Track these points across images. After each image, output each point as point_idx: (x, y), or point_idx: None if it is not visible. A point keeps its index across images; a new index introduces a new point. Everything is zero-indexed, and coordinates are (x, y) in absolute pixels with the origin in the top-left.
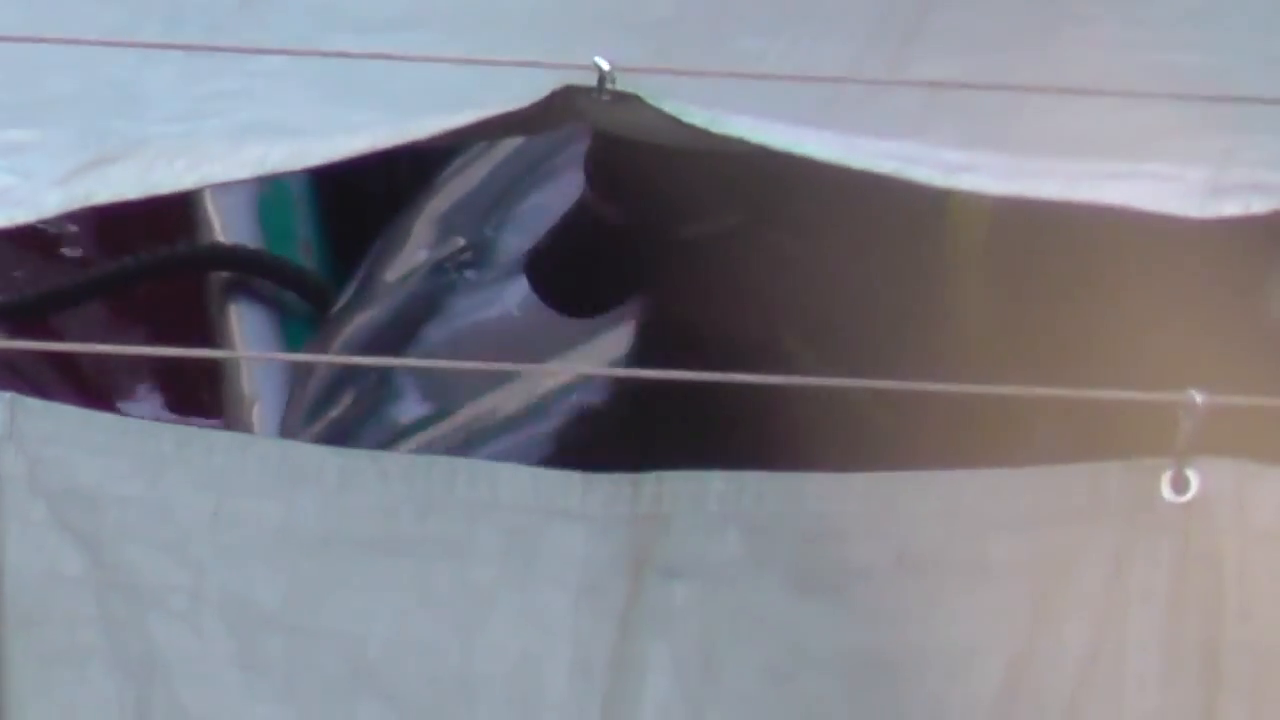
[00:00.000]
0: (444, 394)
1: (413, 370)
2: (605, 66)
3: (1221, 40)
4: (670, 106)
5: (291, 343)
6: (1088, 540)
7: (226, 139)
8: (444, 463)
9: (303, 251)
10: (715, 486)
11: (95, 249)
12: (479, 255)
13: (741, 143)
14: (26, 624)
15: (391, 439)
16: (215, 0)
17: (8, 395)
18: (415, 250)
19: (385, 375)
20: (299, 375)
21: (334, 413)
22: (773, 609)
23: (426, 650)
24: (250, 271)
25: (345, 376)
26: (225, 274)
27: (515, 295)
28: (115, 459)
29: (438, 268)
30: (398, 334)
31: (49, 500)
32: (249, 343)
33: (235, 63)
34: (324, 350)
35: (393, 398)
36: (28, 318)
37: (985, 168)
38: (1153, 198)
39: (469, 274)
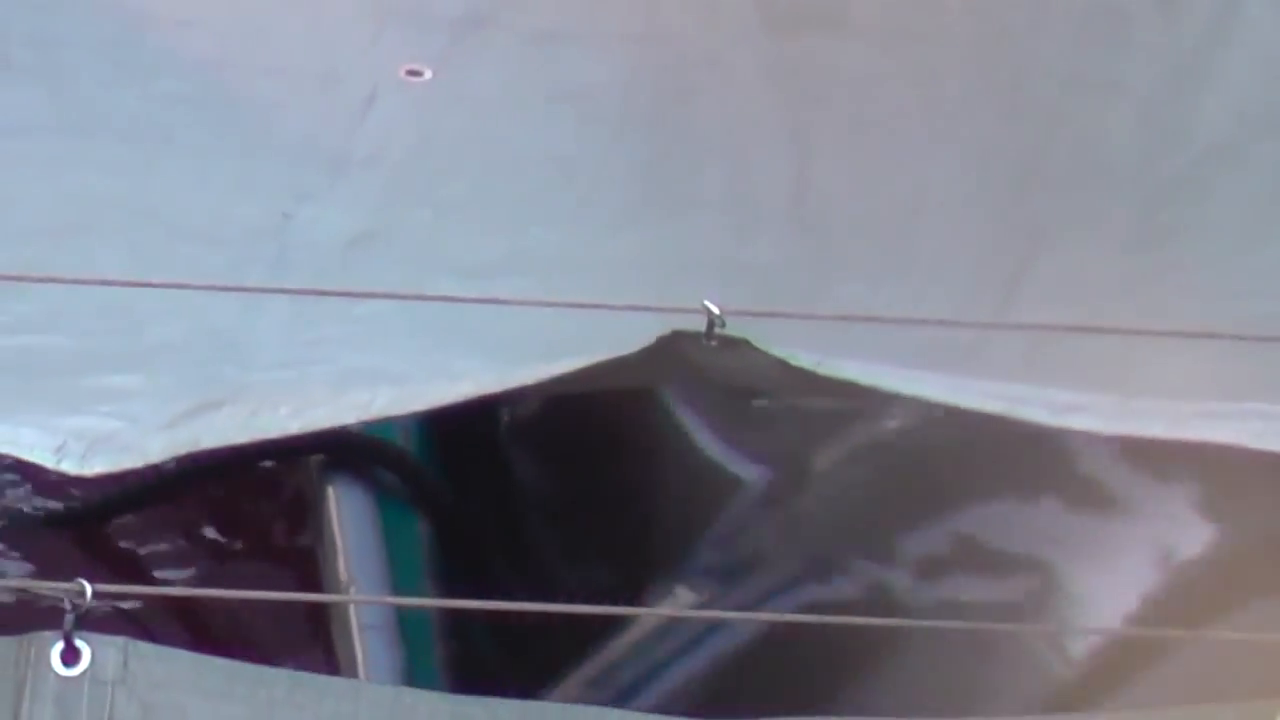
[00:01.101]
0: None
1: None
2: (715, 310)
3: None
4: (779, 351)
5: (388, 522)
6: None
7: (331, 384)
8: (555, 710)
9: (401, 436)
10: None
11: None
12: None
13: (851, 385)
14: None
15: None
16: (319, 246)
17: (121, 640)
18: None
19: None
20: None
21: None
22: None
23: None
24: (369, 461)
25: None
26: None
27: None
28: (229, 704)
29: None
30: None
31: None
32: (347, 525)
33: (339, 309)
34: None
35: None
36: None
37: (1094, 408)
38: (1260, 437)
39: None
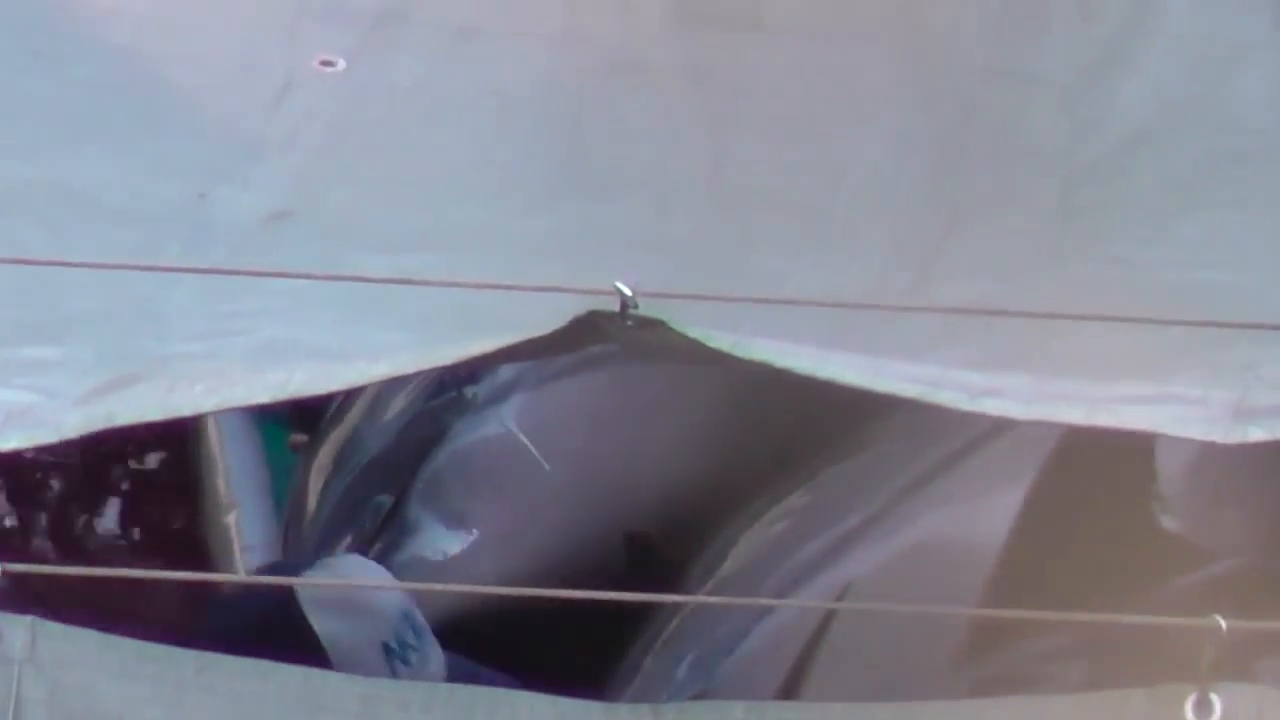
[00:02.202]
0: (470, 515)
1: (427, 502)
2: (627, 292)
3: (1242, 259)
4: (695, 331)
5: (270, 444)
6: None
7: (248, 361)
8: (464, 691)
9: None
10: (737, 714)
11: None
12: (476, 370)
13: (766, 366)
14: None
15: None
16: (235, 221)
17: (28, 619)
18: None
19: (396, 511)
20: (294, 501)
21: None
22: None
23: None
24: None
25: (346, 516)
26: None
27: (512, 412)
28: (136, 684)
29: (438, 387)
30: (405, 459)
31: None
32: (227, 445)
33: (256, 282)
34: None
35: (412, 532)
36: None
37: (1009, 391)
38: (1178, 423)
39: (468, 389)
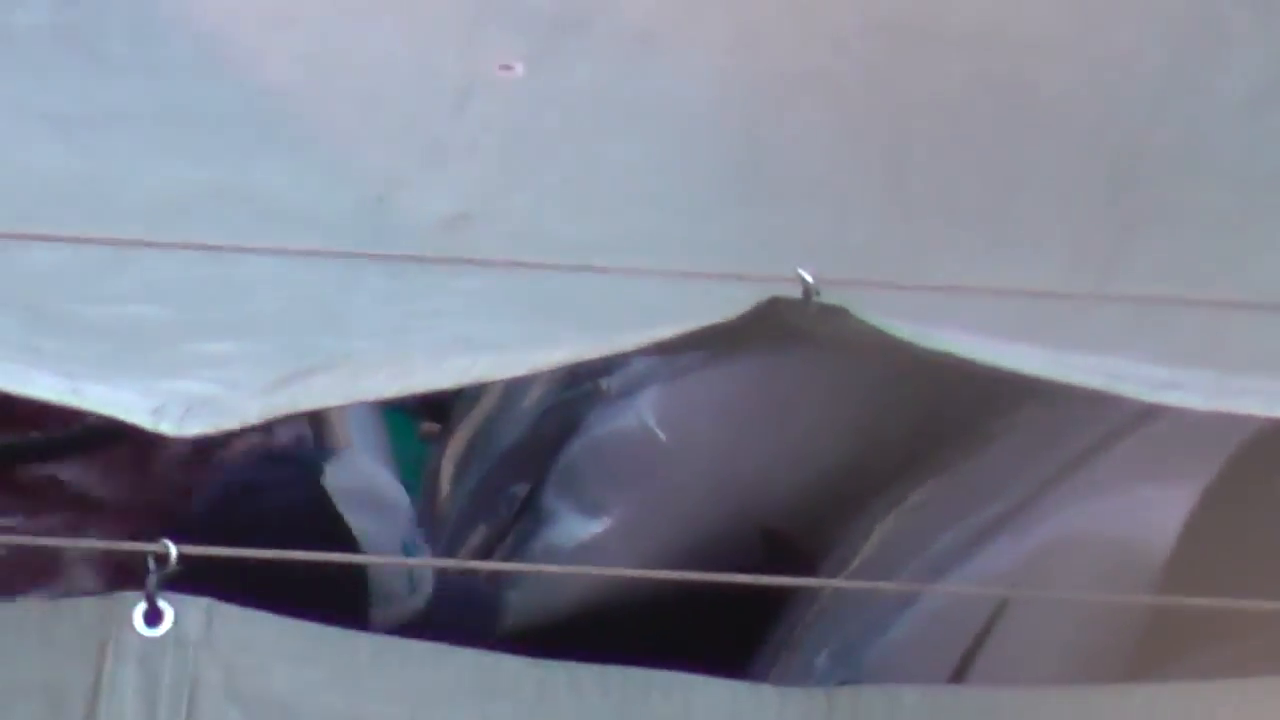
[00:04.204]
0: (603, 505)
1: (562, 492)
2: (809, 279)
3: None
4: (876, 320)
5: (396, 433)
6: None
7: (429, 351)
8: (638, 674)
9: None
10: (908, 700)
11: None
12: (610, 362)
13: (948, 356)
14: None
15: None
16: (415, 225)
17: (205, 601)
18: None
19: (531, 500)
20: (428, 489)
21: (474, 541)
22: None
23: None
24: None
25: (481, 505)
26: None
27: (647, 404)
28: (311, 668)
29: (572, 379)
30: (541, 449)
31: (244, 708)
32: (354, 434)
33: (436, 284)
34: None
35: (547, 521)
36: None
37: (1191, 385)
38: None
39: (603, 381)
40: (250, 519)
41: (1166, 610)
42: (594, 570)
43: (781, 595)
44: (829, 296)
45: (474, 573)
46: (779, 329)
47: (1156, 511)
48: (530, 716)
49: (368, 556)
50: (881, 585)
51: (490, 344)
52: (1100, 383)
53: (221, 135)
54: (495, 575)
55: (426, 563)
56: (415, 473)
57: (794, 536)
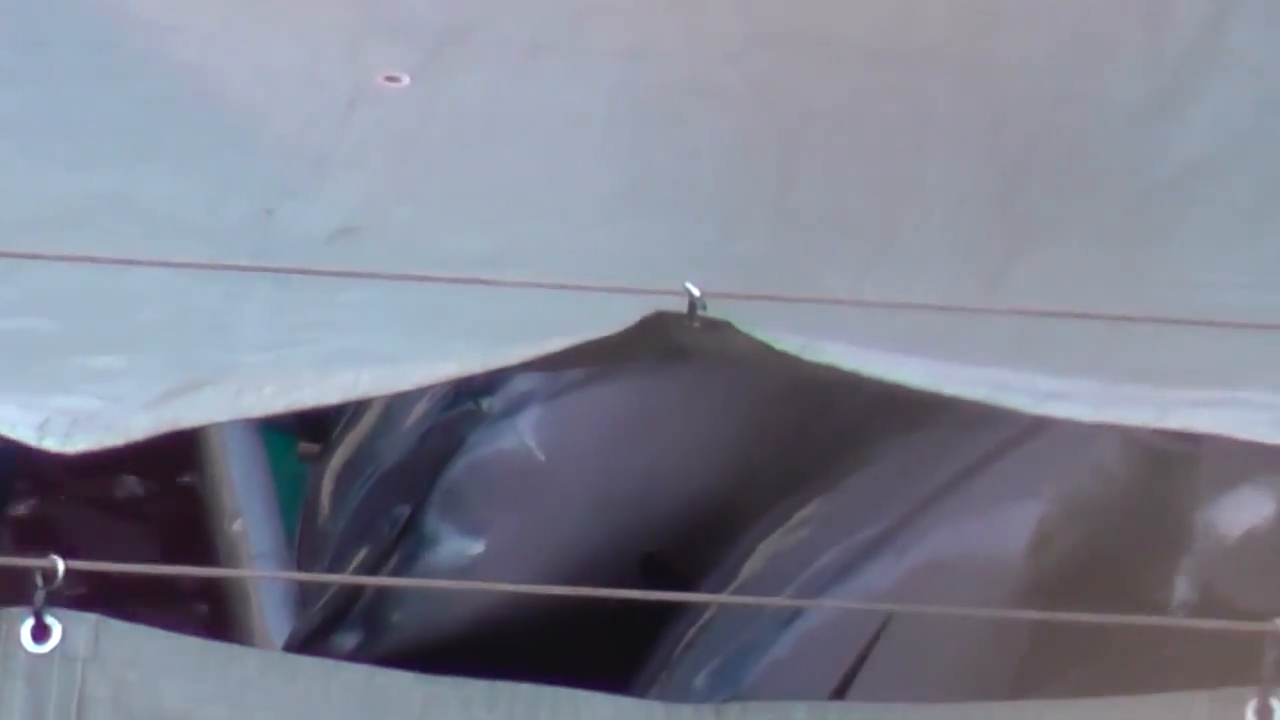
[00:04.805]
0: (485, 526)
1: (444, 513)
2: (696, 292)
3: None
4: (762, 334)
5: (275, 453)
6: None
7: (316, 365)
8: (526, 690)
9: None
10: (797, 715)
11: None
12: (491, 381)
13: (833, 369)
14: None
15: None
16: (303, 240)
17: (92, 617)
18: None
19: (414, 521)
20: (308, 509)
21: (357, 561)
22: None
23: None
24: None
25: (363, 526)
26: None
27: (527, 424)
28: (199, 683)
29: (452, 399)
30: (422, 470)
31: None
32: (231, 454)
33: (322, 297)
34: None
35: (429, 542)
36: None
37: (1078, 395)
38: (1245, 425)
39: (484, 401)
40: None
41: (1046, 626)
42: (481, 585)
43: (662, 617)
44: (715, 310)
45: (359, 592)
46: (665, 343)
47: (1024, 528)
48: None
49: (255, 571)
50: (762, 601)
51: (377, 358)
52: (984, 394)
53: (109, 146)
54: (379, 596)
55: (313, 577)
56: (295, 493)
57: (674, 559)
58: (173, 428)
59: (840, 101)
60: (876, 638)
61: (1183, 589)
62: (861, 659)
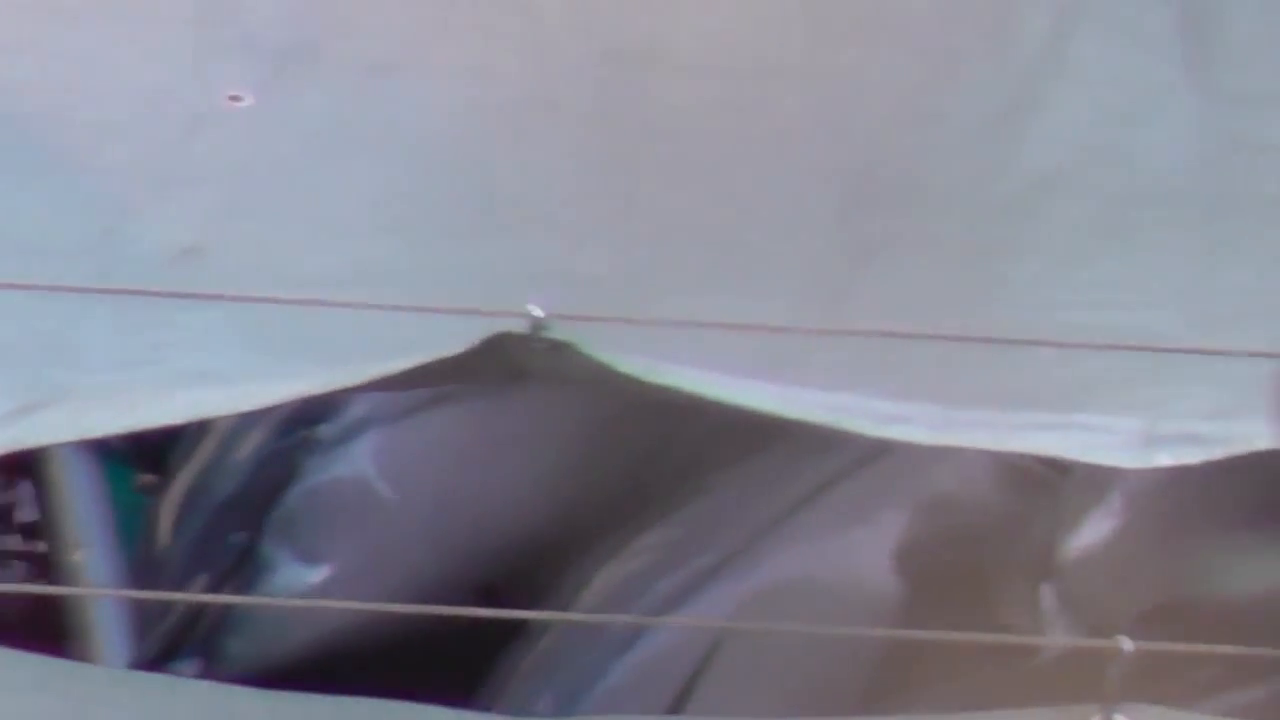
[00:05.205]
0: (322, 554)
1: (281, 541)
2: (539, 314)
3: (1150, 299)
4: (605, 355)
5: (114, 484)
6: None
7: (159, 386)
8: (373, 705)
9: None
10: None
11: None
12: (327, 408)
13: (676, 392)
14: None
15: (289, 613)
16: (144, 257)
17: None
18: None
19: (250, 551)
20: (146, 540)
21: (196, 589)
22: None
23: None
24: None
25: (201, 554)
26: None
27: (365, 451)
28: (46, 698)
29: (287, 427)
30: (259, 498)
31: None
32: (72, 484)
33: (165, 317)
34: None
35: (267, 570)
36: None
37: (918, 419)
38: (1087, 449)
39: (319, 429)
40: None
41: (897, 646)
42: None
43: (500, 650)
44: (558, 331)
45: (197, 621)
46: (508, 364)
47: (867, 552)
48: None
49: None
50: (597, 617)
51: (220, 378)
52: (826, 418)
53: None
54: (217, 625)
55: (151, 595)
56: (133, 523)
57: (513, 591)
58: (13, 449)
59: (684, 118)
60: (705, 663)
61: (1044, 602)
62: (690, 684)
